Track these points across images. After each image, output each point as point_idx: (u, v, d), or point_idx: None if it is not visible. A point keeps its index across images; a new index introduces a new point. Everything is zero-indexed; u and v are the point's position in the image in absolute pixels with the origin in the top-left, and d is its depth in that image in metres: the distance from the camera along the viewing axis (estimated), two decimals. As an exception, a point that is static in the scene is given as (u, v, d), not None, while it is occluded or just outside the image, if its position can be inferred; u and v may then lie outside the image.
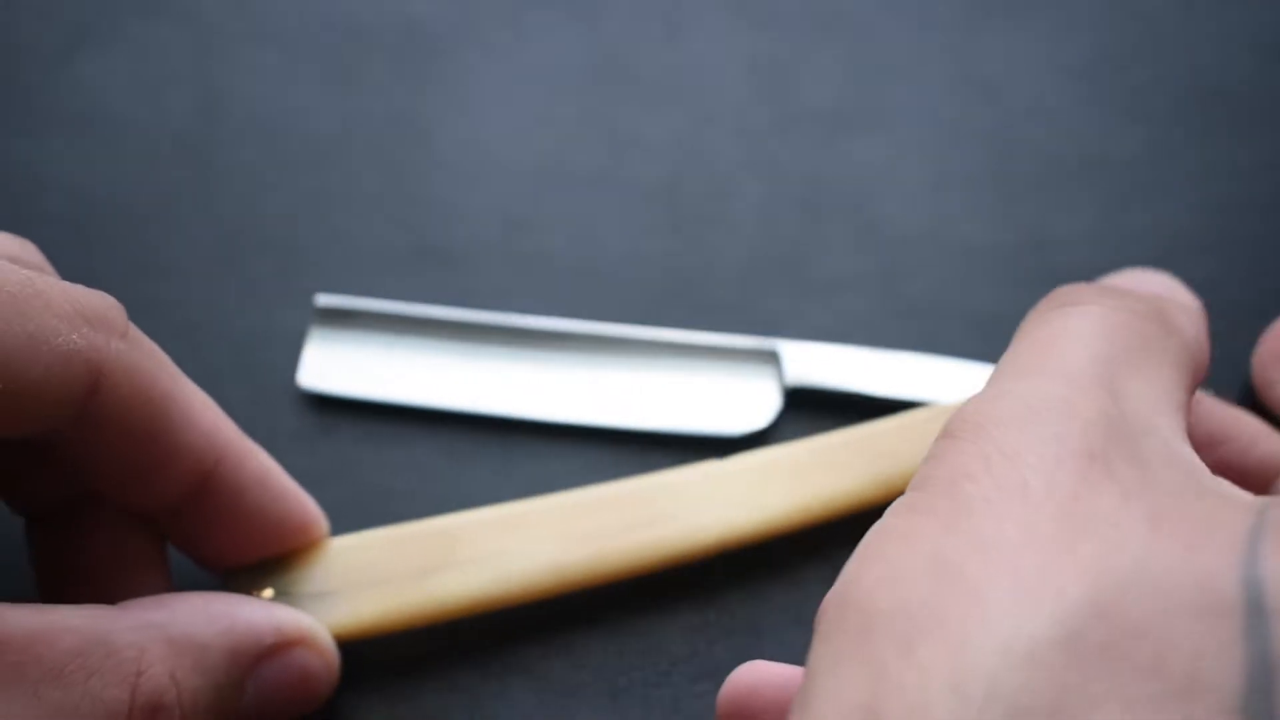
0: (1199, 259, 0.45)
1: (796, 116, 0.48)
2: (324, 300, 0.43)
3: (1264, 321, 0.43)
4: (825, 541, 0.40)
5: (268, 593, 0.37)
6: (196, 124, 0.47)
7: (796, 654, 0.38)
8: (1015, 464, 0.27)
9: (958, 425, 0.28)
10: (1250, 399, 0.42)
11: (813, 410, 0.42)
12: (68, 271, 0.36)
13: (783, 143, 0.47)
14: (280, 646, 0.34)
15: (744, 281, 0.45)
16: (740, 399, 0.42)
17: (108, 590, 0.35)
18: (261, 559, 0.37)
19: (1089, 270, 0.44)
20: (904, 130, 0.48)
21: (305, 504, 0.37)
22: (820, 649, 0.26)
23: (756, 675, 0.33)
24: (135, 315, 0.43)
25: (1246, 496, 0.27)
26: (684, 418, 0.42)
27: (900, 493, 0.39)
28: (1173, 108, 0.48)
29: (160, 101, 0.48)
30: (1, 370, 0.30)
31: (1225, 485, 0.28)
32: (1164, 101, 0.48)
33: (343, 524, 0.39)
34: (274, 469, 0.37)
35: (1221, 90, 0.48)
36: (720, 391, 0.42)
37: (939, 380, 0.42)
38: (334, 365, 0.43)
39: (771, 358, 0.43)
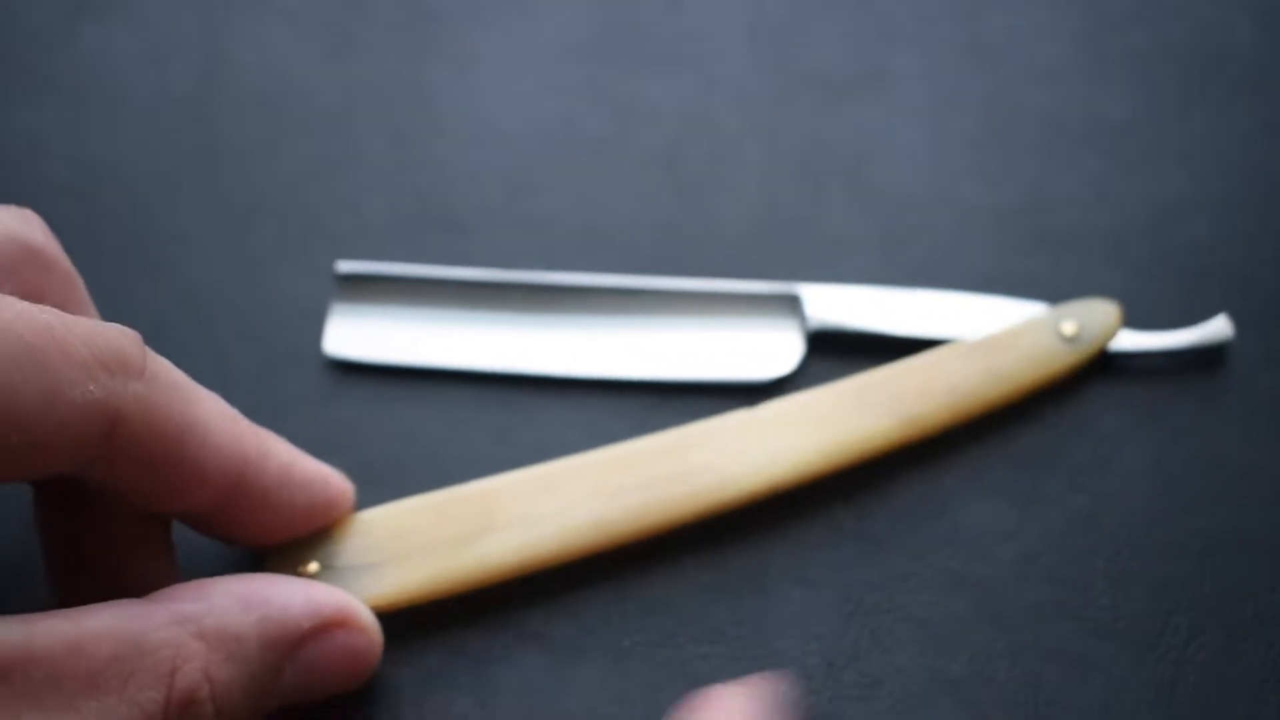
0: (1198, 220, 0.45)
1: (798, 81, 0.48)
2: (345, 266, 0.43)
3: (1263, 285, 0.44)
4: (827, 501, 0.40)
5: (313, 566, 0.37)
6: (199, 92, 0.48)
7: (801, 614, 0.38)
8: None
9: None
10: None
11: (837, 353, 0.42)
12: (72, 241, 0.36)
13: (784, 107, 0.47)
14: (320, 629, 0.34)
15: (747, 245, 0.45)
16: (763, 345, 0.42)
17: (112, 566, 0.35)
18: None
19: (1090, 231, 0.44)
20: (905, 94, 0.48)
21: (330, 483, 0.37)
22: None
23: None
24: (139, 284, 0.43)
25: None
26: (709, 366, 0.42)
27: (929, 432, 0.40)
28: (1173, 70, 0.48)
29: (162, 69, 0.48)
30: (15, 424, 0.29)
31: None
32: (1164, 64, 0.48)
33: (375, 487, 0.39)
34: (296, 459, 0.36)
35: (1222, 52, 0.48)
36: (743, 339, 0.43)
37: (964, 316, 0.42)
38: (359, 331, 0.43)
39: (793, 302, 0.43)
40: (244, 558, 0.39)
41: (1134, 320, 0.43)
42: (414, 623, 0.38)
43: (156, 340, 0.42)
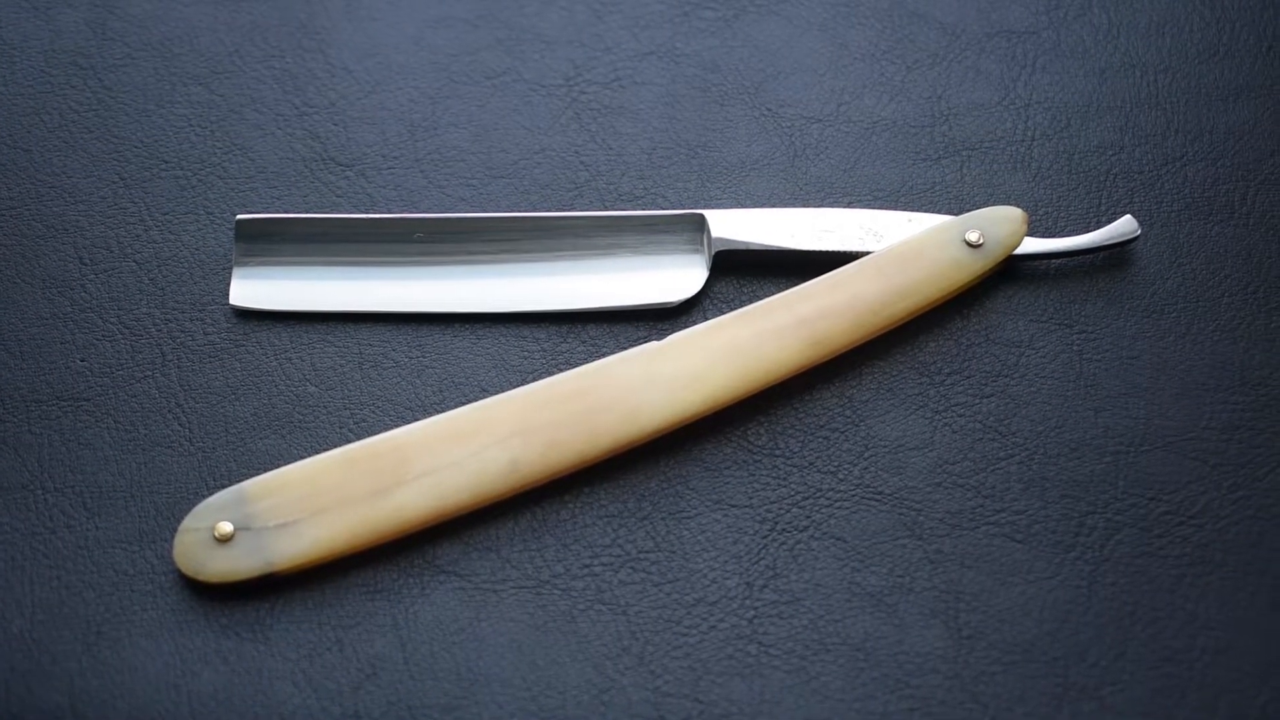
0: (1100, 121, 0.45)
1: (694, 2, 0.48)
2: (245, 216, 0.43)
3: (1166, 182, 0.44)
4: (740, 421, 0.40)
5: (227, 528, 0.37)
6: (89, 43, 0.47)
7: (719, 536, 0.38)
8: None
9: None
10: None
11: (744, 273, 0.42)
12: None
13: (681, 29, 0.47)
14: None
15: (650, 170, 0.44)
16: (669, 269, 0.42)
17: None
18: (222, 488, 0.37)
19: (993, 138, 0.44)
20: (802, 9, 0.47)
21: None
22: None
23: None
24: (39, 242, 0.42)
25: None
26: (616, 294, 0.42)
27: (838, 351, 0.40)
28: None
29: (51, 21, 0.47)
30: None
31: None
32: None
33: (288, 433, 0.40)
34: None
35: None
36: (649, 264, 0.42)
37: (868, 231, 0.42)
38: (263, 281, 0.42)
39: (697, 224, 0.43)
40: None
41: (1041, 224, 0.43)
42: (331, 565, 0.38)
43: (59, 299, 0.42)
